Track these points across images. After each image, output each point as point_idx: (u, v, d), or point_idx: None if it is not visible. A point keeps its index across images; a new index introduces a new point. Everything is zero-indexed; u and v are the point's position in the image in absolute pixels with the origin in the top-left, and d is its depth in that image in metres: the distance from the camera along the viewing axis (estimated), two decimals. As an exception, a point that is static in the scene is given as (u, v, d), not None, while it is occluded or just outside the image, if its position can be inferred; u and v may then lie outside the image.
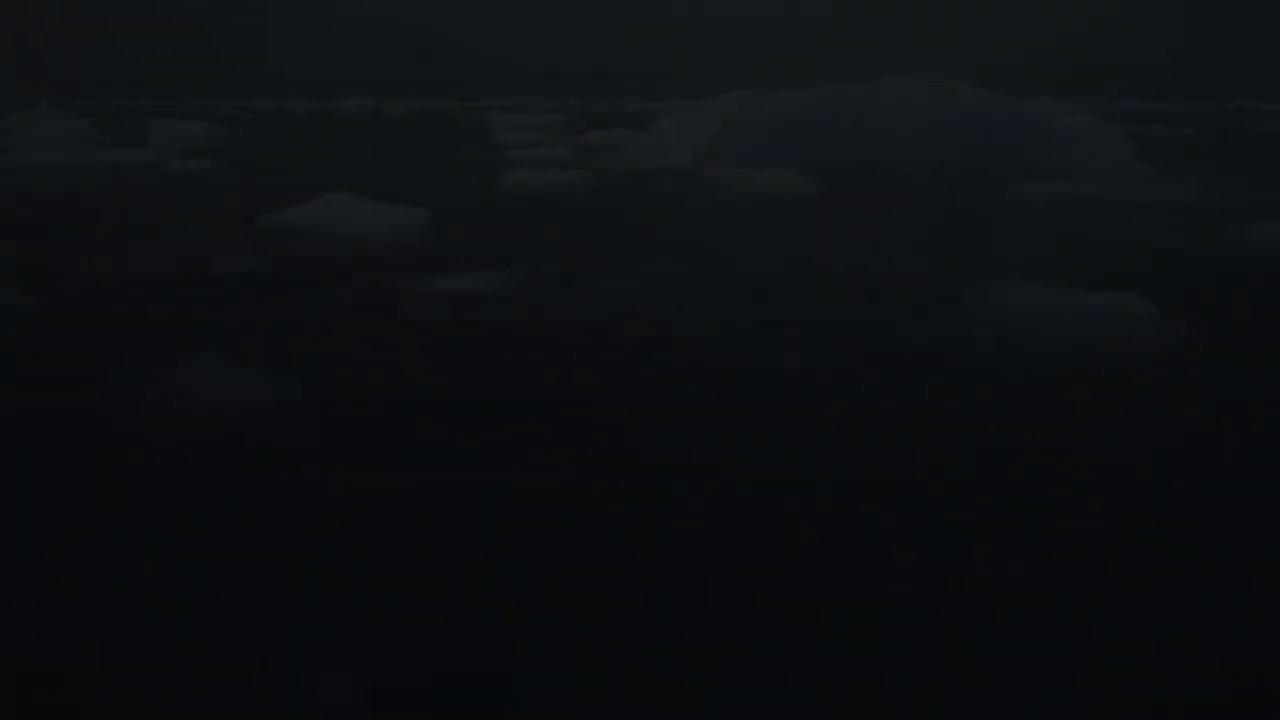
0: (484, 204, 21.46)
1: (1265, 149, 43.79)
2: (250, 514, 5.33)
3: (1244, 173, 30.25)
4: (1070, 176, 27.77)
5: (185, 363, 7.93)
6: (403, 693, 3.71)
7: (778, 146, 29.98)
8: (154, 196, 22.70)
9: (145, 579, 4.60)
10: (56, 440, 6.53)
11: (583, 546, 4.91)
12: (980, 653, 3.94)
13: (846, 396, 7.60)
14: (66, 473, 5.94)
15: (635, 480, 5.75)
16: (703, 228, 17.64)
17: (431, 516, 5.30)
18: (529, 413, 7.13)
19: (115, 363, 8.64)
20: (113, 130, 62.74)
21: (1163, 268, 13.90)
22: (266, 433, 6.64)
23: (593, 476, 5.81)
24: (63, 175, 28.44)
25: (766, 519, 5.21)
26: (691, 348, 9.20)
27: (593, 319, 10.42)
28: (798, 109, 30.45)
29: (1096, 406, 7.45)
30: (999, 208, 21.43)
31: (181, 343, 9.49)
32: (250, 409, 7.18)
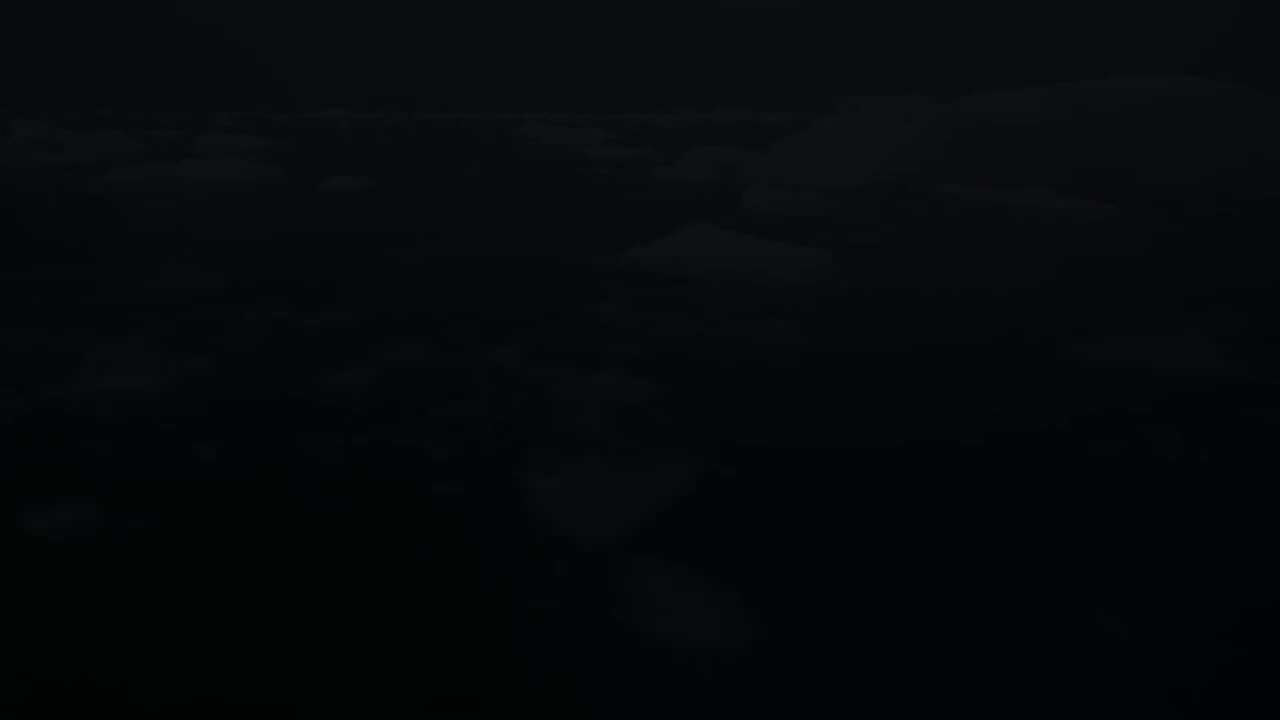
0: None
1: None
2: None
3: None
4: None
5: None
6: None
7: (1003, 158, 25.21)
8: (414, 228, 17.55)
9: None
10: None
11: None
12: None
13: None
14: None
15: None
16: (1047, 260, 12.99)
17: None
18: None
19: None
20: (147, 141, 57.90)
21: None
22: None
23: None
24: (238, 190, 23.54)
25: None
26: None
27: None
28: (1018, 113, 25.70)
29: None
30: None
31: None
32: None
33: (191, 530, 4.75)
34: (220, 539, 4.65)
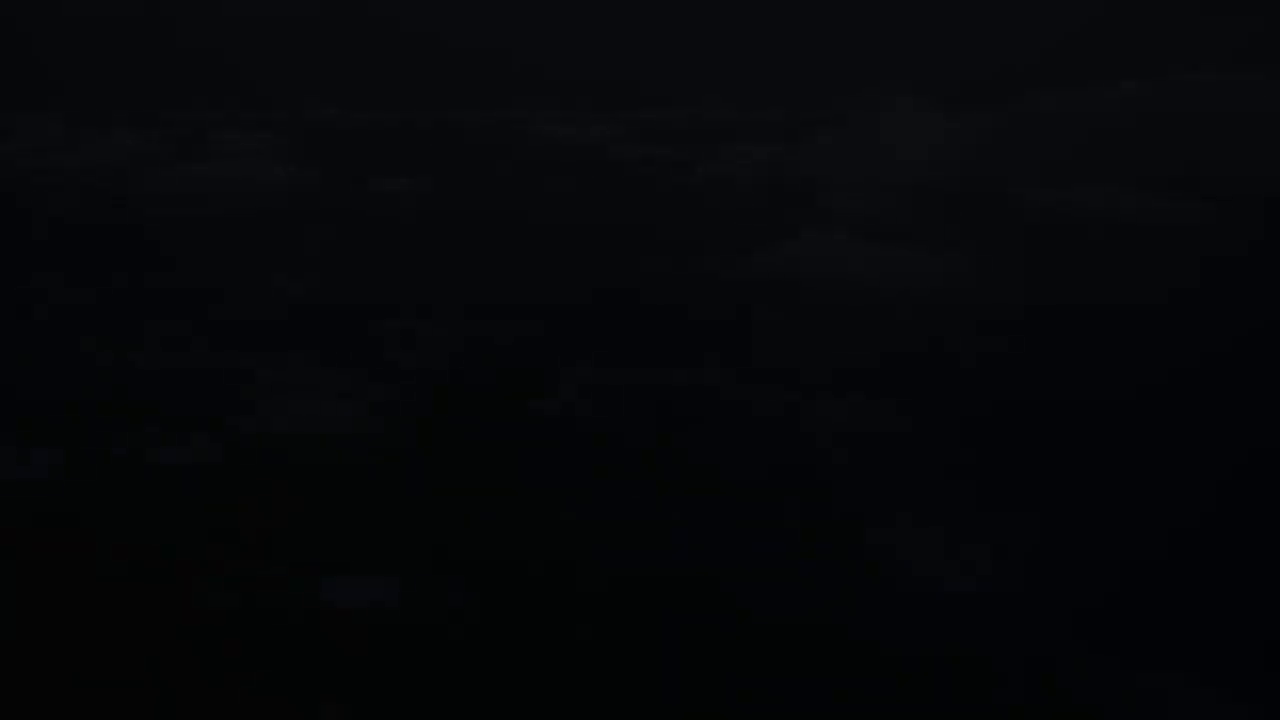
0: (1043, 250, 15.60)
1: None
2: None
3: None
4: None
5: None
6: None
7: (1069, 156, 24.74)
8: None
9: None
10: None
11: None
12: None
13: None
14: None
15: None
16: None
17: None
18: None
19: None
20: (159, 141, 57.21)
21: None
22: None
23: None
24: (281, 191, 22.78)
25: None
26: None
27: None
28: (1082, 113, 25.24)
29: None
30: None
31: None
32: None
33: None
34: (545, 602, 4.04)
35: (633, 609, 4.10)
